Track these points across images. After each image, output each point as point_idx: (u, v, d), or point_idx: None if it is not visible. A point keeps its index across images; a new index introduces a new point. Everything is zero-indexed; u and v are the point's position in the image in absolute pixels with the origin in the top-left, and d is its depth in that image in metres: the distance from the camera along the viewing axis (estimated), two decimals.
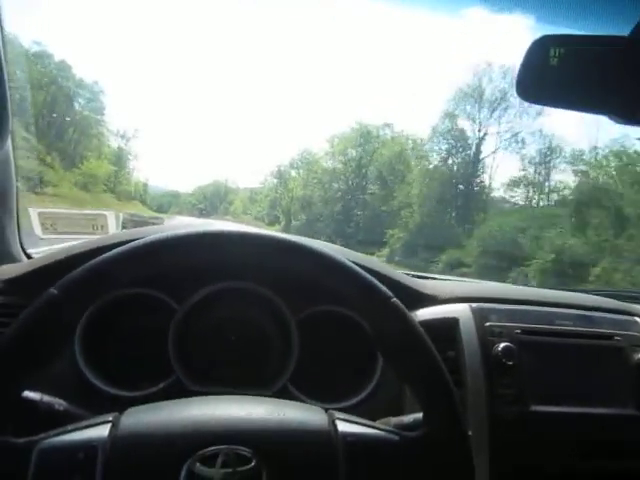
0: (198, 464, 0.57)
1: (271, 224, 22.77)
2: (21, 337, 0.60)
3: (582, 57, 0.73)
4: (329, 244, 1.10)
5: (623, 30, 0.72)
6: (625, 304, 1.20)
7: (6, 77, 1.01)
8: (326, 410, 0.67)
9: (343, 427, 0.64)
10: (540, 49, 0.74)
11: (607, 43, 0.73)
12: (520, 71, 0.76)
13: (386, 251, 15.85)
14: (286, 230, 19.39)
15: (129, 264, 0.64)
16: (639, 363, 1.02)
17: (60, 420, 0.68)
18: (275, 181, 26.51)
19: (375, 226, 18.60)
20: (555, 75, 0.73)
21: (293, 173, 25.81)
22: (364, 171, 22.08)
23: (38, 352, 0.60)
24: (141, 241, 0.64)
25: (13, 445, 0.58)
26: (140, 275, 0.65)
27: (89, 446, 0.58)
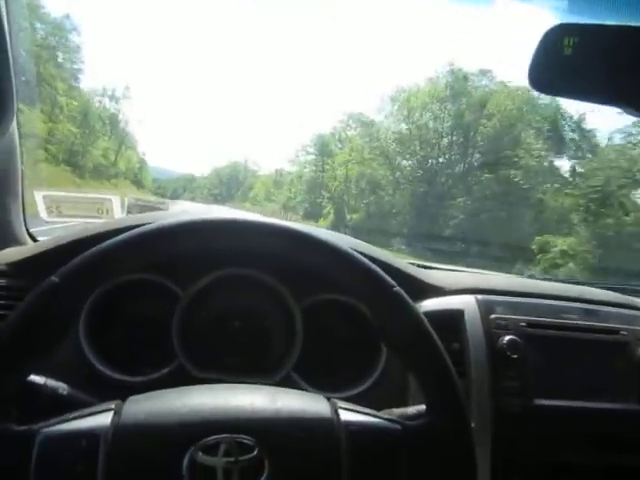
0: (200, 453, 0.57)
1: (309, 217, 17.96)
2: (23, 325, 0.59)
3: (597, 47, 0.72)
4: (334, 233, 1.10)
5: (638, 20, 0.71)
6: (631, 298, 1.20)
7: (11, 61, 1.00)
8: (329, 399, 0.67)
9: (346, 416, 0.63)
10: (554, 38, 0.72)
11: (622, 33, 0.72)
12: (533, 60, 0.74)
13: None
14: (340, 229, 15.06)
15: (130, 252, 0.63)
16: None
17: (64, 405, 0.68)
18: (311, 157, 20.78)
19: (498, 231, 12.13)
20: (569, 65, 0.72)
21: (337, 146, 20.10)
22: (458, 140, 15.03)
23: (40, 340, 0.60)
24: (141, 229, 0.63)
25: (15, 433, 0.58)
26: (141, 263, 0.64)
27: (91, 434, 0.57)
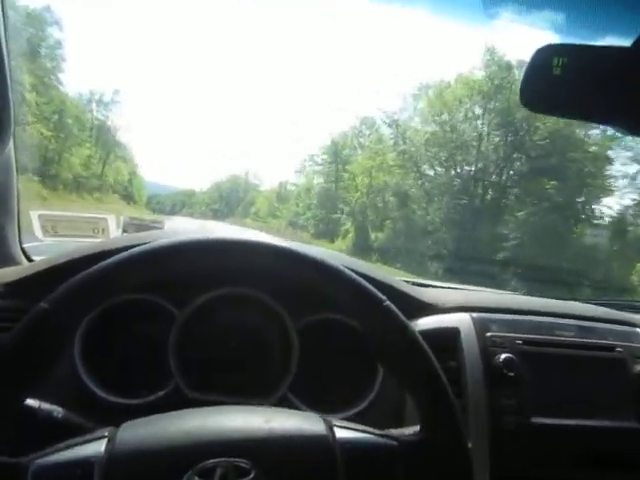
0: (196, 478, 0.56)
1: (322, 235, 16.10)
2: (15, 351, 0.59)
3: (585, 67, 0.73)
4: (327, 250, 1.10)
5: (626, 41, 0.72)
6: (626, 314, 1.20)
7: (9, 79, 1.01)
8: (324, 418, 0.66)
9: (341, 434, 0.63)
10: (543, 58, 0.73)
11: (611, 54, 0.73)
12: (523, 80, 0.76)
13: None
14: (364, 251, 12.96)
15: (122, 275, 0.63)
16: None
17: (59, 428, 0.67)
18: (320, 167, 18.71)
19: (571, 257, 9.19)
20: (558, 84, 0.73)
21: (355, 151, 18.14)
22: (504, 142, 10.99)
23: (33, 365, 0.59)
24: (133, 251, 0.63)
25: (9, 464, 0.58)
26: (134, 285, 0.64)
27: (86, 462, 0.57)
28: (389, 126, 16.13)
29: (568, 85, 0.73)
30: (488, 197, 12.28)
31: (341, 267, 0.66)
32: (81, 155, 17.71)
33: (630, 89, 0.70)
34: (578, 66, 0.72)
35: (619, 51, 0.73)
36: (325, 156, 19.23)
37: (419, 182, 13.78)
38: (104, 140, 20.62)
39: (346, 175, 17.28)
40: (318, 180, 19.41)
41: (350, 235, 15.30)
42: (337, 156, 18.15)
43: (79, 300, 0.61)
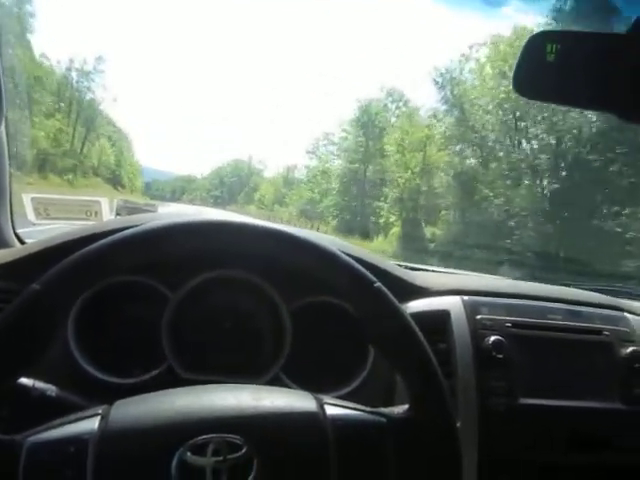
0: (189, 453, 0.57)
1: (348, 230, 11.64)
2: (8, 331, 0.59)
3: (578, 53, 0.73)
4: (318, 233, 1.11)
5: (619, 27, 0.73)
6: (614, 299, 1.22)
7: (1, 67, 1.00)
8: (315, 396, 0.68)
9: (332, 411, 0.65)
10: (537, 45, 0.74)
11: (603, 40, 0.74)
12: (517, 67, 0.76)
13: None
14: (414, 254, 9.18)
15: (113, 256, 0.63)
16: (626, 357, 1.03)
17: (52, 406, 0.68)
18: (346, 143, 14.80)
19: None
20: (552, 71, 0.74)
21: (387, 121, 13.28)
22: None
23: (26, 346, 0.60)
24: (125, 232, 0.63)
25: (3, 441, 0.58)
26: (125, 267, 0.65)
27: (79, 440, 0.58)
28: (440, 87, 12.40)
29: (561, 72, 0.74)
30: (587, 180, 8.59)
31: (334, 249, 0.67)
32: (48, 127, 15.55)
33: (622, 76, 0.71)
34: (571, 53, 0.73)
35: (613, 38, 0.73)
36: (348, 131, 15.33)
37: (494, 163, 9.69)
38: (85, 115, 18.33)
39: (376, 151, 12.68)
40: (339, 161, 16.30)
41: (394, 231, 11.15)
42: (367, 128, 13.43)
43: (71, 281, 0.61)
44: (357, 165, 14.55)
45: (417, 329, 0.66)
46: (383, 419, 0.65)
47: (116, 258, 0.63)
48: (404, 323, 0.66)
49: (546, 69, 0.74)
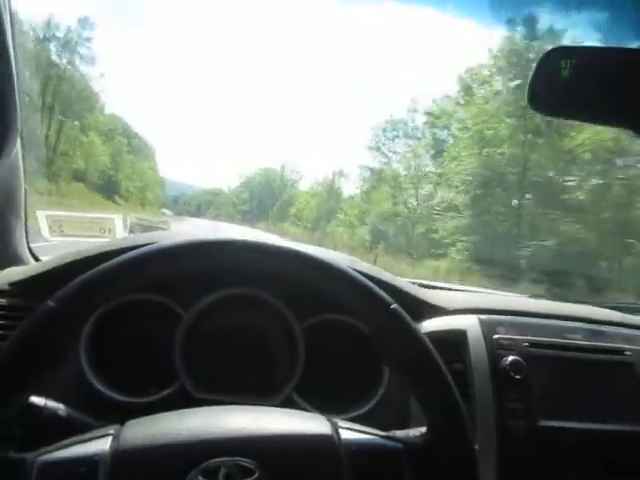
0: (200, 477, 0.56)
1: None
2: (21, 348, 0.59)
3: (593, 69, 0.73)
4: (332, 251, 1.10)
5: (634, 42, 0.72)
6: (635, 317, 1.19)
7: (15, 79, 1.01)
8: (329, 419, 0.66)
9: (346, 435, 0.63)
10: (551, 60, 0.73)
11: (618, 55, 0.73)
12: (531, 82, 0.76)
13: None
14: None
15: (127, 274, 0.63)
16: None
17: (64, 426, 0.68)
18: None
19: None
20: (566, 87, 0.73)
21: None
22: None
23: (39, 363, 0.59)
24: (139, 251, 0.63)
25: (13, 460, 0.58)
26: (139, 285, 0.64)
27: (91, 460, 0.57)
28: None
29: (576, 87, 0.73)
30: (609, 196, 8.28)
31: (348, 269, 0.66)
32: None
33: (638, 91, 0.70)
34: (586, 68, 0.72)
35: (626, 52, 0.73)
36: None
37: None
38: (63, 100, 15.23)
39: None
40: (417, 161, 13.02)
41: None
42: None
43: (85, 298, 0.61)
44: (502, 157, 10.02)
45: (434, 350, 0.65)
46: (399, 444, 0.64)
47: (130, 276, 0.63)
48: (421, 346, 0.65)
49: (560, 85, 0.73)
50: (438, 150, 13.83)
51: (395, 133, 14.93)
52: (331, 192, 17.63)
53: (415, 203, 13.56)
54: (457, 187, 12.41)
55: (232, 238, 0.66)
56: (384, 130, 15.07)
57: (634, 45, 0.72)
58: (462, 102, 13.81)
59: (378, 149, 15.17)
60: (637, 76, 0.69)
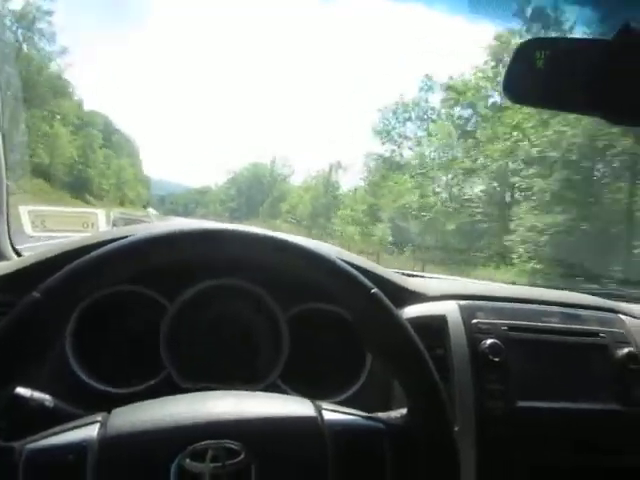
0: (188, 460, 0.58)
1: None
2: (6, 340, 0.59)
3: (567, 59, 0.75)
4: (315, 241, 1.11)
5: (606, 34, 0.74)
6: (609, 301, 1.22)
7: None
8: (312, 401, 0.68)
9: (330, 416, 0.65)
10: (526, 52, 0.75)
11: (592, 46, 0.75)
12: (507, 73, 0.78)
13: None
14: None
15: (112, 264, 0.63)
16: (622, 360, 1.04)
17: (50, 417, 0.68)
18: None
19: None
20: (541, 77, 0.75)
21: None
22: None
23: (25, 354, 0.60)
24: (124, 241, 0.64)
25: (1, 448, 0.58)
26: (124, 276, 0.65)
27: (78, 447, 0.58)
28: None
29: (551, 77, 0.75)
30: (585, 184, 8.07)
31: (330, 255, 0.67)
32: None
33: (610, 80, 0.72)
34: (560, 59, 0.74)
35: (600, 44, 0.75)
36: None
37: None
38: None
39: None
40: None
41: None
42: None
43: (71, 289, 0.61)
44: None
45: (415, 336, 0.66)
46: (381, 425, 0.66)
47: (116, 266, 0.63)
48: (402, 330, 0.66)
49: (535, 75, 0.75)
50: (464, 131, 12.00)
51: (407, 115, 12.98)
52: (327, 185, 15.82)
53: (447, 194, 11.01)
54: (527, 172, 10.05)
55: (219, 227, 0.67)
56: (394, 112, 13.07)
57: (607, 37, 0.74)
58: (491, 74, 11.96)
59: (387, 134, 13.14)
60: (608, 65, 0.71)
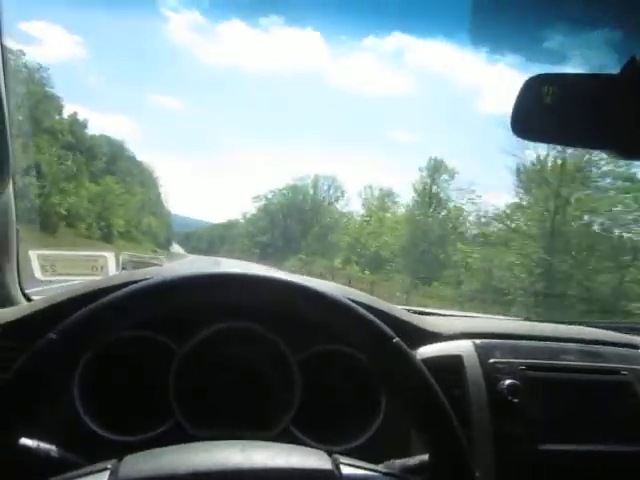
0: None
1: None
2: (20, 383, 0.59)
3: (575, 95, 0.75)
4: (327, 282, 1.10)
5: (614, 69, 0.74)
6: (628, 336, 1.20)
7: (7, 118, 1.02)
8: (330, 454, 0.66)
9: (347, 471, 0.63)
10: (533, 88, 0.76)
11: (599, 81, 0.76)
12: (514, 109, 0.78)
13: None
14: None
15: (129, 307, 0.64)
16: None
17: (57, 468, 0.66)
18: None
19: None
20: (549, 113, 0.75)
21: None
22: None
23: (37, 398, 0.60)
24: (140, 284, 0.64)
25: None
26: (140, 318, 0.65)
27: None
28: None
29: (559, 113, 0.75)
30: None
31: (350, 302, 0.67)
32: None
33: (619, 115, 0.72)
34: (568, 94, 0.75)
35: (607, 79, 0.75)
36: None
37: None
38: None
39: None
40: None
41: None
42: None
43: (87, 331, 0.62)
44: None
45: (433, 382, 0.66)
46: None
47: (133, 308, 0.64)
48: (422, 380, 0.66)
49: (543, 111, 0.75)
50: None
51: None
52: (426, 210, 11.23)
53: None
54: None
55: (233, 272, 0.67)
56: None
57: (614, 71, 0.74)
58: None
59: None
60: (617, 101, 0.72)
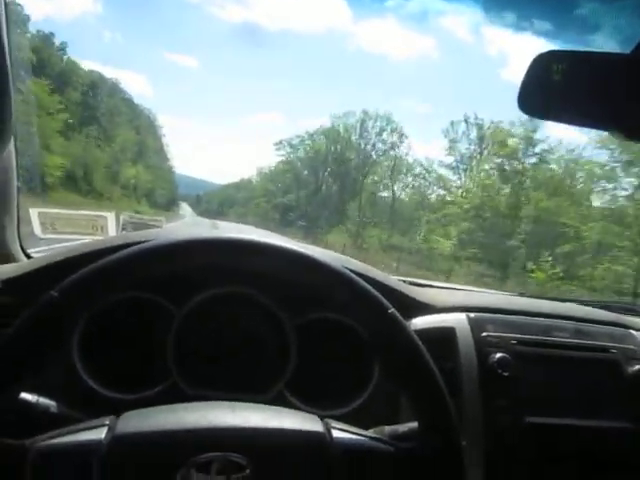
0: (193, 471, 0.58)
1: None
2: (21, 339, 0.60)
3: (584, 73, 0.74)
4: (328, 251, 1.11)
5: (626, 47, 0.73)
6: (620, 316, 1.21)
7: (10, 74, 1.00)
8: (322, 418, 0.67)
9: (338, 435, 0.64)
10: (543, 64, 0.75)
11: (609, 60, 0.74)
12: (522, 85, 0.77)
13: None
14: None
15: (128, 269, 0.65)
16: (634, 376, 1.03)
17: (56, 423, 0.68)
18: None
19: None
20: (557, 90, 0.74)
21: None
22: None
23: (37, 354, 0.61)
24: (140, 247, 0.65)
25: (9, 446, 0.59)
26: (140, 280, 0.66)
27: (85, 449, 0.59)
28: None
29: (567, 91, 0.74)
30: None
31: (346, 271, 0.68)
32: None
33: (628, 95, 0.71)
34: (577, 72, 0.73)
35: (618, 58, 0.74)
36: None
37: None
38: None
39: None
40: None
41: None
42: None
43: (89, 291, 0.63)
44: None
45: (428, 356, 0.67)
46: (391, 448, 0.65)
47: (135, 269, 0.65)
48: (415, 350, 0.67)
49: (552, 88, 0.74)
50: None
51: None
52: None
53: None
54: None
55: (233, 237, 0.68)
56: None
57: (626, 50, 0.73)
58: None
59: None
60: (628, 81, 0.71)
